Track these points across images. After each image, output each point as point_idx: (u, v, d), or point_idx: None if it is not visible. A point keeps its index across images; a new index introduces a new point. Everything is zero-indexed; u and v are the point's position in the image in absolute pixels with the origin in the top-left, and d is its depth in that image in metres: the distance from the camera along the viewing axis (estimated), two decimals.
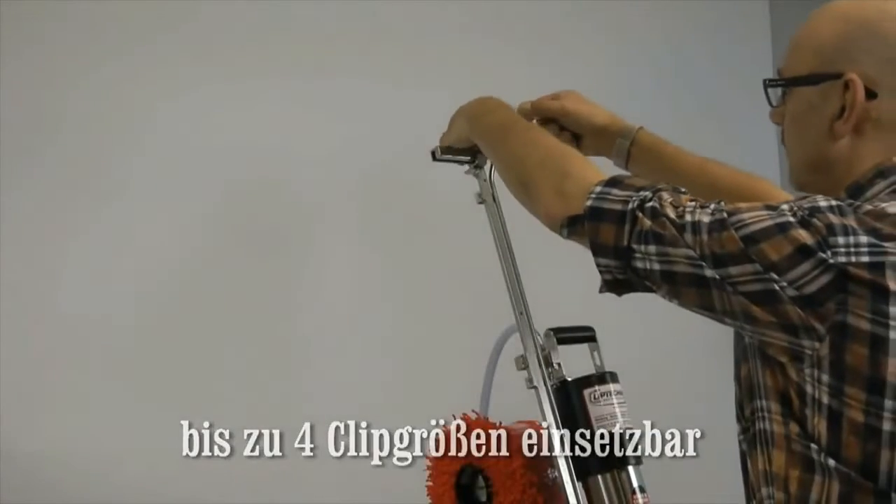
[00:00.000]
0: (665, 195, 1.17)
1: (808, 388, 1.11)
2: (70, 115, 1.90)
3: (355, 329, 2.08)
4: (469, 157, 1.58)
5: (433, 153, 1.57)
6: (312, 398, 2.02)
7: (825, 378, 1.09)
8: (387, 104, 2.16)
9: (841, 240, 1.08)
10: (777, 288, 1.08)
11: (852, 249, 1.07)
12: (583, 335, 1.46)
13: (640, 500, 1.37)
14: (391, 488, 1.89)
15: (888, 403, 1.08)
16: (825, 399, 1.10)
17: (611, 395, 1.39)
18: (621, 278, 1.19)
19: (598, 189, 1.19)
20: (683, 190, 1.20)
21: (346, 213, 2.11)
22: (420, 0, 2.23)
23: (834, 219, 1.09)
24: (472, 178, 1.59)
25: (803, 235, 1.08)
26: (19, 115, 1.85)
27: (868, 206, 1.11)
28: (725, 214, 1.12)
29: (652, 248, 1.14)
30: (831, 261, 1.07)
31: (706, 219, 1.12)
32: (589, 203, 1.19)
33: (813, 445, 1.11)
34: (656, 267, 1.15)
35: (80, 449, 1.83)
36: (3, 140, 1.84)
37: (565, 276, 1.90)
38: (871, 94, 1.16)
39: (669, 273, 1.14)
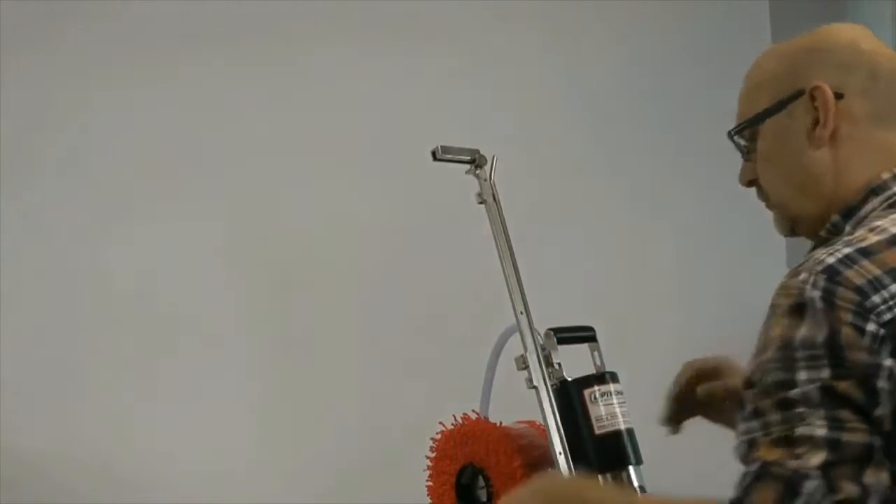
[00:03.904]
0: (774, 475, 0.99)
1: None
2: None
3: (354, 329, 2.08)
4: (469, 158, 1.58)
5: (433, 153, 1.57)
6: (312, 398, 2.02)
7: None
8: (387, 103, 2.16)
9: (877, 298, 0.99)
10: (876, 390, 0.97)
11: (892, 303, 0.99)
12: (583, 335, 1.46)
13: None
14: (392, 488, 1.90)
15: None
16: None
17: (611, 395, 1.39)
18: None
19: None
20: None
21: (345, 212, 2.11)
22: None
23: (854, 277, 1.00)
24: (472, 178, 1.59)
25: (844, 318, 0.98)
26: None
27: (867, 236, 1.05)
28: (779, 396, 0.99)
29: None
30: (882, 332, 0.98)
31: (807, 425, 0.97)
32: None
33: None
34: None
35: (81, 449, 1.83)
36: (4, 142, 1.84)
37: (565, 277, 1.90)
38: (838, 97, 1.16)
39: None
